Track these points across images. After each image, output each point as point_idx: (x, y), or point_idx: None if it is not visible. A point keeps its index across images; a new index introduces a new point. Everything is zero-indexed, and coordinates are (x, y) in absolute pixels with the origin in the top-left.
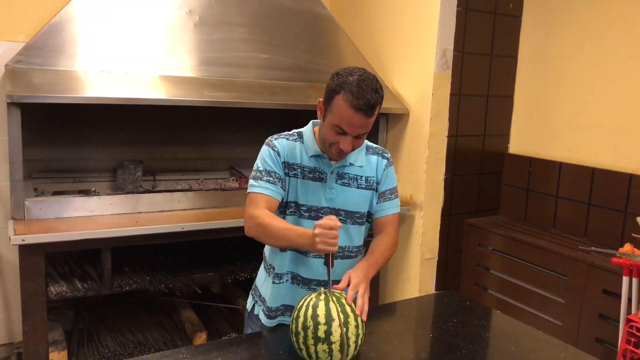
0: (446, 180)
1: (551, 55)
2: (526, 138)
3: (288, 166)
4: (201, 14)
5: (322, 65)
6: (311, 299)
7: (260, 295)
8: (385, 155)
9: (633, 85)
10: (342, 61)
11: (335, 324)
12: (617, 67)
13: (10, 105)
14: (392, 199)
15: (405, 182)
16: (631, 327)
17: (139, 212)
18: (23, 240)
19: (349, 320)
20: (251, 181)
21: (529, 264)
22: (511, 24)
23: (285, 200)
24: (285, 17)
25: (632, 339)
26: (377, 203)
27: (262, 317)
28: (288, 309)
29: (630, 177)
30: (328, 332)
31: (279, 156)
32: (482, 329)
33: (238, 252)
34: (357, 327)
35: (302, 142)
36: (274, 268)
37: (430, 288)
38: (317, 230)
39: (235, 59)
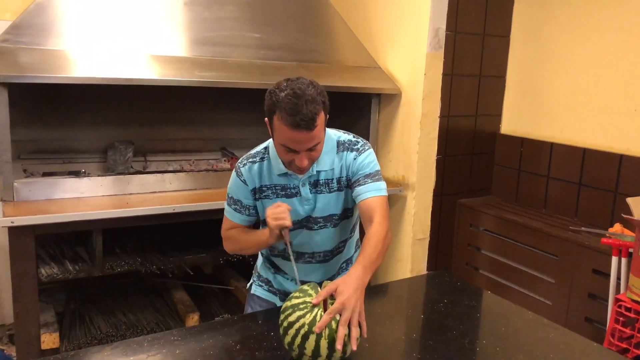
0: (438, 161)
1: (543, 35)
2: (518, 118)
3: (258, 191)
4: None
5: (314, 44)
6: (303, 325)
7: (260, 276)
8: (355, 147)
9: (625, 66)
10: (334, 40)
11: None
12: (609, 48)
13: None
14: (368, 183)
15: (397, 163)
16: (620, 306)
17: (130, 194)
18: (12, 222)
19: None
20: (225, 204)
21: (520, 244)
22: (504, 3)
23: (261, 219)
24: None
25: (621, 319)
26: (352, 193)
27: (261, 293)
28: None
29: (620, 158)
30: None
31: (247, 184)
32: (472, 310)
33: None
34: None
35: (269, 158)
36: (277, 267)
37: (422, 268)
38: (267, 212)
39: (226, 38)
